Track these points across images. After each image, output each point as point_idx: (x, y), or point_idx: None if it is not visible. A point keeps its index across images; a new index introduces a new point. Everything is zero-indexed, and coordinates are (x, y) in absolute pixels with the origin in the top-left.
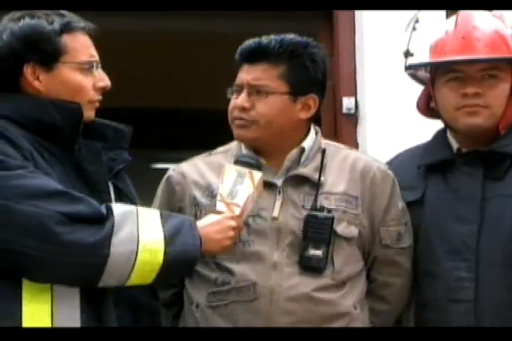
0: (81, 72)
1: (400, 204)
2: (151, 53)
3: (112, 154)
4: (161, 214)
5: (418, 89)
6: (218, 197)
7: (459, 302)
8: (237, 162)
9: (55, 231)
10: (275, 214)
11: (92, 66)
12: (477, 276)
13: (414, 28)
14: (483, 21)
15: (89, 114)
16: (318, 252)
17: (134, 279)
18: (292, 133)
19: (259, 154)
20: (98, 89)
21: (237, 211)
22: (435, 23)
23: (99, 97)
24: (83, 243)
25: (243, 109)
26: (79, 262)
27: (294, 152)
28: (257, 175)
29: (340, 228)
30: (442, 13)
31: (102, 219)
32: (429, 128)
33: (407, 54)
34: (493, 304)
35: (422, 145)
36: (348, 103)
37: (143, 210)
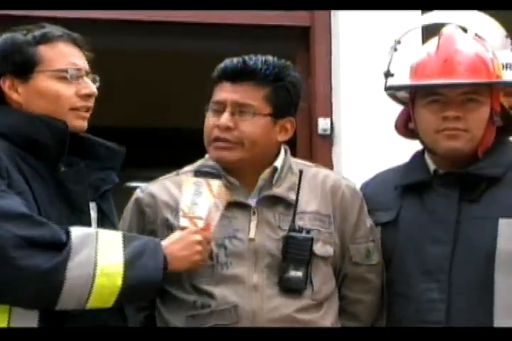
0: (58, 80)
1: (368, 221)
2: (127, 72)
3: (102, 174)
4: (123, 237)
5: (393, 110)
6: (180, 213)
7: (431, 324)
8: (198, 173)
9: (11, 255)
10: (251, 235)
11: (73, 74)
12: (449, 298)
13: (395, 49)
14: (465, 44)
15: (75, 122)
16: (299, 273)
17: (93, 302)
18: (269, 155)
19: (232, 174)
20: (82, 96)
21: (200, 224)
22: (416, 44)
23: (85, 104)
24: (38, 269)
25: (227, 129)
26: (33, 287)
27: (267, 172)
28: (215, 183)
29: (317, 248)
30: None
31: (61, 245)
32: (403, 149)
33: (388, 74)
34: (464, 326)
35: (399, 167)
36: (323, 124)
37: (104, 233)
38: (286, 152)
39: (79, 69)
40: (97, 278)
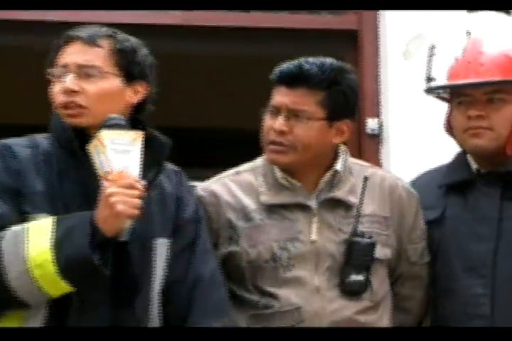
0: (53, 79)
1: (422, 221)
2: (189, 75)
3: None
4: (54, 221)
5: (440, 110)
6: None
7: (477, 318)
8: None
9: None
10: (313, 237)
11: (56, 72)
12: (493, 292)
13: (432, 54)
14: (492, 46)
15: (65, 119)
16: (360, 277)
17: (52, 291)
18: (325, 157)
19: (292, 175)
20: (60, 92)
21: (110, 177)
22: (454, 50)
23: (63, 100)
24: None
25: (281, 133)
26: None
27: (328, 175)
28: (102, 133)
29: (377, 251)
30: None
31: None
32: (450, 148)
33: (428, 79)
34: (510, 319)
35: (443, 166)
36: (372, 124)
37: (35, 223)
38: (345, 153)
39: (64, 67)
40: (34, 271)
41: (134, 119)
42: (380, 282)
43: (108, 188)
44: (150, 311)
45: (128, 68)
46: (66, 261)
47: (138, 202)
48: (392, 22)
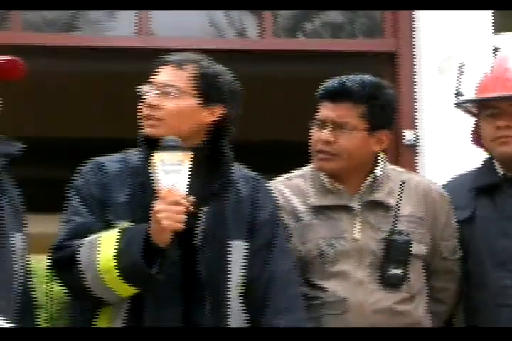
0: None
1: (454, 220)
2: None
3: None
4: (121, 232)
5: (468, 122)
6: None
7: (506, 307)
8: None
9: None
10: (356, 235)
11: (147, 91)
12: None
13: (461, 72)
14: None
15: (147, 130)
16: (398, 271)
17: (121, 292)
18: (366, 164)
19: (337, 180)
20: (146, 106)
21: (159, 195)
22: (481, 67)
23: (147, 112)
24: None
25: (327, 143)
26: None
27: (369, 179)
28: (154, 155)
29: (413, 247)
30: (489, 57)
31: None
32: (480, 157)
33: (458, 94)
34: None
35: (472, 171)
36: (409, 135)
37: (106, 234)
38: (384, 160)
39: (151, 85)
40: (103, 276)
41: (214, 137)
42: (416, 275)
43: (156, 205)
44: (228, 310)
45: (206, 91)
46: (124, 268)
47: (182, 217)
48: (426, 44)
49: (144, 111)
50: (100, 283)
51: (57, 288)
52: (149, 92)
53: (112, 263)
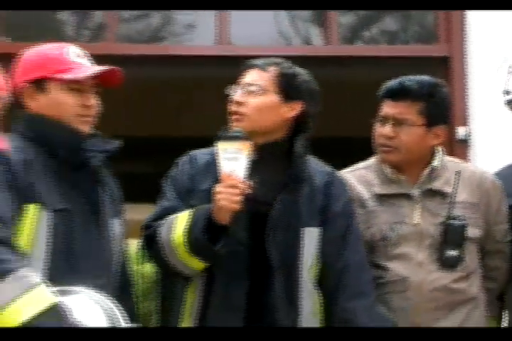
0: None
1: (505, 206)
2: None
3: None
4: (191, 212)
5: None
6: None
7: None
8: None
9: None
10: (416, 220)
11: (234, 90)
12: None
13: (510, 72)
14: None
15: (234, 124)
16: (455, 253)
17: (193, 265)
18: (425, 156)
19: (399, 171)
20: (233, 104)
21: (220, 179)
22: None
23: (234, 109)
24: None
25: (389, 138)
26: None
27: (427, 170)
28: (217, 146)
29: (468, 231)
30: None
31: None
32: None
33: (506, 93)
34: None
35: None
36: (461, 131)
37: (181, 214)
38: (441, 153)
39: (237, 85)
40: (177, 250)
41: (295, 132)
42: (471, 256)
43: (217, 188)
44: (300, 291)
45: (286, 88)
46: (191, 243)
47: (238, 199)
48: (477, 47)
49: (232, 108)
50: (175, 257)
51: (148, 268)
52: (236, 91)
53: (182, 239)
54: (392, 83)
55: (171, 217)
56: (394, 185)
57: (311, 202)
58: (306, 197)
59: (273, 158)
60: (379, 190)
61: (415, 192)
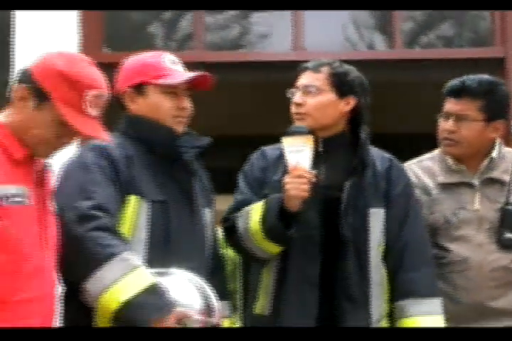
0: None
1: None
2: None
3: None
4: (266, 201)
5: None
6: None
7: None
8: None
9: None
10: (476, 207)
11: (293, 92)
12: None
13: None
14: None
15: (297, 123)
16: None
17: (269, 249)
18: (484, 148)
19: (460, 162)
20: (294, 105)
21: (288, 170)
22: None
23: (295, 110)
24: None
25: (452, 132)
26: None
27: (487, 160)
28: (283, 140)
29: None
30: None
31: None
32: None
33: None
34: None
35: None
36: None
37: (258, 204)
38: (500, 144)
39: (296, 87)
40: (254, 236)
41: (353, 125)
42: None
43: (286, 178)
44: (370, 265)
45: (340, 86)
46: (266, 229)
47: (305, 187)
48: None
49: (293, 109)
50: (253, 243)
51: (231, 252)
52: (295, 94)
53: (258, 226)
54: (454, 82)
55: (246, 208)
56: (456, 175)
57: (374, 185)
58: (370, 181)
59: (339, 149)
60: (442, 179)
61: (475, 181)
